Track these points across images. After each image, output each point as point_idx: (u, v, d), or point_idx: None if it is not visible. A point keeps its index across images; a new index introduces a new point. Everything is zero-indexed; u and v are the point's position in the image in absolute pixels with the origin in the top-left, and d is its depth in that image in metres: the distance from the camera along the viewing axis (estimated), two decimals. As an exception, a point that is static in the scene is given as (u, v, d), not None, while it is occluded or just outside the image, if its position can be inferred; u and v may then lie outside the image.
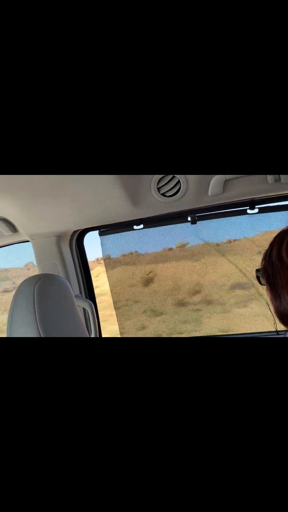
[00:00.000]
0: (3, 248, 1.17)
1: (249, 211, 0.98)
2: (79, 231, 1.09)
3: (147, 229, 1.06)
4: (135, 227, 1.05)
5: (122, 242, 1.18)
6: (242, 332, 1.19)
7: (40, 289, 0.62)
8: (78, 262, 1.13)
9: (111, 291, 1.27)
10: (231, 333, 1.20)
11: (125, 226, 1.06)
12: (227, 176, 0.80)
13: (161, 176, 0.82)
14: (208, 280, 1.22)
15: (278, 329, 0.63)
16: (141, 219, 1.02)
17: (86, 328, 0.81)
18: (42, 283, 0.63)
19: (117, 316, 1.30)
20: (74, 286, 1.09)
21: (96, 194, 0.84)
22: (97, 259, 1.25)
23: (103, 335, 1.23)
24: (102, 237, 1.14)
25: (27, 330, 0.59)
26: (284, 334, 0.88)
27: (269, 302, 0.60)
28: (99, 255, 1.21)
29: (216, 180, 0.81)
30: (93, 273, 1.22)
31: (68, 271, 1.05)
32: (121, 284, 1.28)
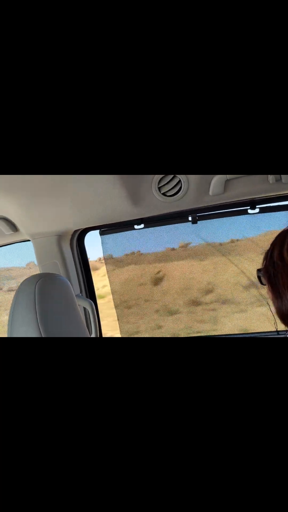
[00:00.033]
0: (5, 247, 1.17)
1: (250, 211, 0.98)
2: (80, 230, 1.09)
3: (148, 228, 1.06)
4: (135, 226, 1.05)
5: (123, 241, 1.18)
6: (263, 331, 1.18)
7: (41, 288, 0.62)
8: (79, 261, 1.13)
9: (114, 290, 1.27)
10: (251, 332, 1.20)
11: (126, 225, 1.06)
12: (228, 176, 0.80)
13: (162, 175, 0.82)
14: (220, 279, 1.21)
15: (278, 329, 0.63)
16: (142, 218, 1.02)
17: (87, 327, 0.81)
18: (43, 282, 0.63)
19: (122, 316, 1.30)
20: (75, 285, 1.09)
21: (96, 193, 0.84)
22: (99, 259, 1.25)
23: (118, 334, 1.24)
24: (102, 236, 1.14)
25: (28, 329, 0.59)
26: (284, 334, 0.88)
27: (270, 302, 0.60)
28: (102, 254, 1.22)
29: (217, 180, 0.81)
30: (99, 272, 1.22)
31: (68, 271, 1.05)
32: (129, 283, 1.28)
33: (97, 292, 1.20)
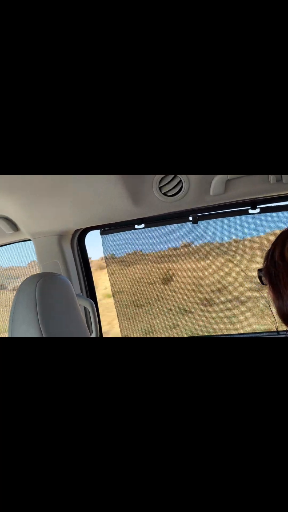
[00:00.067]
0: (6, 247, 1.18)
1: (250, 211, 0.98)
2: (81, 230, 1.09)
3: (148, 228, 1.07)
4: (136, 226, 1.05)
5: (124, 241, 1.18)
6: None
7: (42, 288, 0.62)
8: (80, 261, 1.13)
9: (121, 289, 1.27)
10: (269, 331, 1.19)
11: (127, 225, 1.06)
12: (229, 176, 0.80)
13: (163, 175, 0.82)
14: (233, 278, 1.21)
15: (278, 329, 0.63)
16: (142, 218, 1.02)
17: (87, 326, 0.81)
18: (44, 282, 0.64)
19: (125, 315, 1.30)
20: (75, 285, 1.10)
21: (97, 193, 0.84)
22: (101, 258, 1.25)
23: (132, 333, 1.23)
24: (103, 236, 1.14)
25: (29, 328, 0.59)
26: (284, 334, 0.88)
27: (271, 302, 0.60)
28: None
29: (217, 180, 0.81)
30: (106, 271, 1.22)
31: (69, 270, 1.06)
32: (138, 282, 1.27)
33: (105, 291, 1.20)
